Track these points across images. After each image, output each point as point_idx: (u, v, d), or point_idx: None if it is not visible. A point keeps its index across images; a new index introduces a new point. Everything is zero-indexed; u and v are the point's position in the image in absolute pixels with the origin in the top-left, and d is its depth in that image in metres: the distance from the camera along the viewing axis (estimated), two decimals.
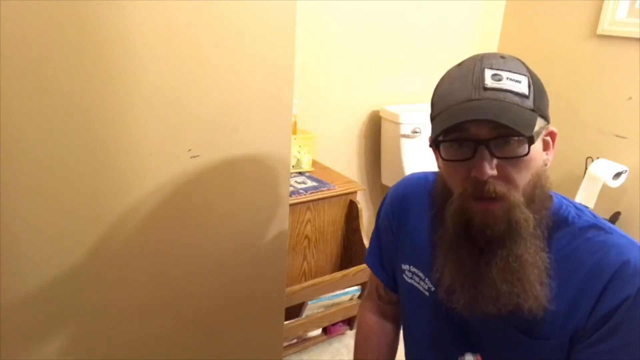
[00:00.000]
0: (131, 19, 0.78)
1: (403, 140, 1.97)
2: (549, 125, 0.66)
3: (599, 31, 1.98)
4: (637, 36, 1.86)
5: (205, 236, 1.01)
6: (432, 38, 2.16)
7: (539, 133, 0.62)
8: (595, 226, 0.66)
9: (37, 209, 0.81)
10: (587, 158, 2.02)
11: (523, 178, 0.62)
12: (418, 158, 2.01)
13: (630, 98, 1.93)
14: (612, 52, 1.96)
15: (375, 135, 2.15)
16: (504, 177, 0.61)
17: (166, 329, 1.05)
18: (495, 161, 0.60)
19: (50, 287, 0.87)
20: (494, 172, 0.60)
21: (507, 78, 0.61)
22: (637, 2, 1.89)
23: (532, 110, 0.61)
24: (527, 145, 0.60)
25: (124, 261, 0.93)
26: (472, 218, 0.63)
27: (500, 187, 0.61)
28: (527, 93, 0.61)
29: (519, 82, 0.61)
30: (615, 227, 0.68)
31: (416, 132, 1.96)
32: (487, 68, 0.61)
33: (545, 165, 0.66)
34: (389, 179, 2.15)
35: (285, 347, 1.67)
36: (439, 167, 0.71)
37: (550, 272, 0.64)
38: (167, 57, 0.83)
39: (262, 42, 0.92)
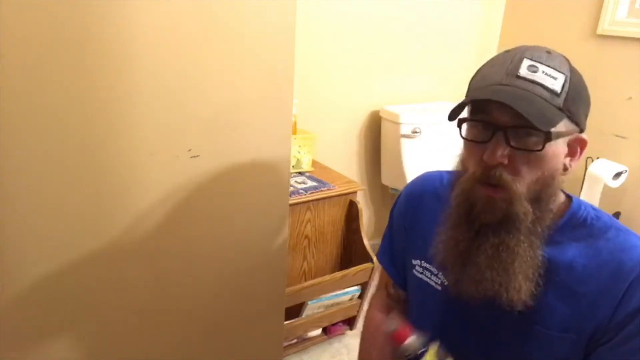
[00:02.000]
0: (131, 19, 0.78)
1: (403, 140, 1.97)
2: (581, 133, 0.66)
3: (599, 31, 1.98)
4: (637, 36, 1.86)
5: (205, 236, 1.01)
6: (432, 38, 2.16)
7: (562, 134, 0.62)
8: (614, 227, 0.67)
9: (36, 209, 0.81)
10: (587, 158, 2.02)
11: (531, 173, 0.62)
12: (418, 158, 2.01)
13: (630, 98, 1.93)
14: (612, 52, 1.96)
15: (375, 135, 2.15)
16: (513, 167, 0.61)
17: (166, 329, 1.05)
18: (508, 150, 0.60)
19: (51, 288, 0.87)
20: (504, 160, 0.60)
21: (543, 72, 0.61)
22: (637, 2, 1.89)
23: (560, 109, 0.60)
24: (542, 141, 0.60)
25: (124, 261, 0.93)
26: (475, 202, 0.64)
27: (506, 176, 0.61)
28: (558, 91, 0.60)
29: (555, 78, 0.61)
30: (630, 229, 0.68)
31: (416, 132, 1.96)
32: (527, 58, 0.62)
33: (565, 170, 0.66)
34: (389, 179, 2.15)
35: (285, 347, 1.67)
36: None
37: (544, 267, 0.64)
38: (167, 57, 0.83)
39: (262, 42, 0.92)
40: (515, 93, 0.59)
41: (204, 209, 0.99)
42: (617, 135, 1.99)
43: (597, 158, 1.99)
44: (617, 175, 1.93)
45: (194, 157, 0.93)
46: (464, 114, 0.65)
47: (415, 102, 2.18)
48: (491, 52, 2.41)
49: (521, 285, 0.63)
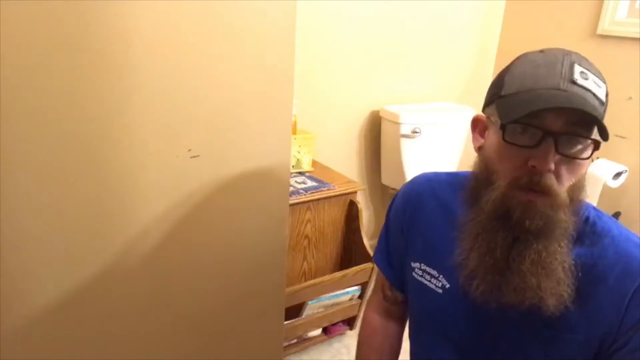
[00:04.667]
0: (131, 19, 0.78)
1: (403, 140, 1.97)
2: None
3: (599, 31, 1.98)
4: (637, 36, 1.87)
5: (205, 236, 1.01)
6: (432, 38, 2.16)
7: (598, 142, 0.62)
8: (617, 227, 0.67)
9: (36, 209, 0.81)
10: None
11: (570, 180, 0.62)
12: (418, 158, 2.01)
13: (630, 98, 1.93)
14: (612, 52, 1.96)
15: (375, 135, 2.15)
16: (557, 175, 0.61)
17: (166, 329, 1.05)
18: (557, 157, 0.59)
19: (50, 288, 0.87)
20: (553, 167, 0.59)
21: (593, 80, 0.60)
22: (637, 2, 1.89)
23: (602, 117, 0.60)
24: (591, 150, 0.60)
25: (124, 261, 0.93)
26: (513, 207, 0.62)
27: (553, 183, 0.60)
28: (604, 100, 0.61)
29: (600, 87, 0.61)
30: (629, 229, 0.69)
31: (416, 132, 1.96)
32: (577, 64, 0.61)
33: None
34: (389, 179, 2.15)
35: (285, 347, 1.67)
36: (477, 149, 0.71)
37: (575, 272, 0.64)
38: (167, 57, 0.83)
39: (262, 42, 0.92)
40: (578, 101, 0.58)
41: (203, 209, 0.99)
42: (617, 135, 1.99)
43: (597, 158, 1.99)
44: (617, 175, 1.93)
45: (194, 157, 0.93)
46: (511, 112, 0.62)
47: (415, 102, 2.18)
48: (491, 52, 2.41)
49: (562, 291, 0.63)
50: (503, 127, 0.62)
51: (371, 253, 1.66)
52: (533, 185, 0.60)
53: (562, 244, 0.63)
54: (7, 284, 0.83)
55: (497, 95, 0.66)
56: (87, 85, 0.78)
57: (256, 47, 0.92)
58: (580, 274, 0.64)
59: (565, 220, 0.62)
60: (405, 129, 1.95)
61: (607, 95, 0.62)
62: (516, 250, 0.63)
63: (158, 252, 0.97)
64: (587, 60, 0.63)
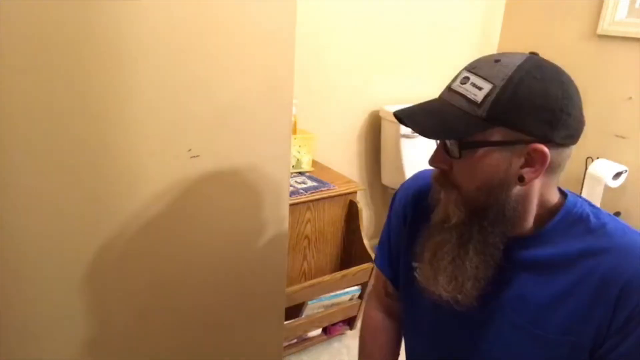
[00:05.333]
0: (131, 18, 0.78)
1: (403, 140, 1.97)
2: (538, 142, 0.61)
3: (599, 31, 1.98)
4: (637, 36, 1.87)
5: (205, 236, 1.01)
6: (432, 38, 2.16)
7: (493, 143, 0.61)
8: (613, 223, 0.66)
9: (36, 209, 0.81)
10: (587, 158, 2.02)
11: (467, 182, 0.65)
12: (418, 158, 2.01)
13: (630, 98, 1.93)
14: (612, 52, 1.97)
15: (375, 135, 2.15)
16: (452, 174, 0.66)
17: (166, 329, 1.05)
18: (444, 156, 0.65)
19: (51, 288, 0.87)
20: (443, 166, 0.66)
21: (472, 83, 0.61)
22: (637, 2, 1.89)
23: (485, 119, 0.59)
24: (457, 149, 0.62)
25: (124, 261, 0.93)
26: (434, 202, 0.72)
27: (442, 181, 0.68)
28: (478, 101, 0.60)
29: (480, 88, 0.60)
30: (629, 225, 0.68)
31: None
32: (466, 69, 0.63)
33: (522, 181, 0.63)
34: (389, 179, 2.15)
35: (285, 347, 1.67)
36: None
37: (567, 267, 0.65)
38: (167, 57, 0.83)
39: (262, 42, 0.92)
40: (429, 107, 0.65)
41: (203, 209, 0.99)
42: (617, 135, 1.99)
43: (597, 158, 1.99)
44: (617, 175, 1.93)
45: (194, 157, 0.93)
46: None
47: (415, 102, 2.17)
48: (491, 52, 2.41)
49: (456, 289, 0.67)
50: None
51: (371, 253, 1.66)
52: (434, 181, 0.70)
53: (461, 244, 0.67)
54: (8, 283, 0.83)
55: None
56: (87, 85, 0.78)
57: (256, 46, 0.92)
58: (573, 273, 0.64)
59: (458, 217, 0.66)
60: (405, 129, 1.95)
61: (491, 94, 0.59)
62: (428, 243, 0.72)
63: (158, 252, 0.97)
64: (494, 62, 0.62)
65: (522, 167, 0.62)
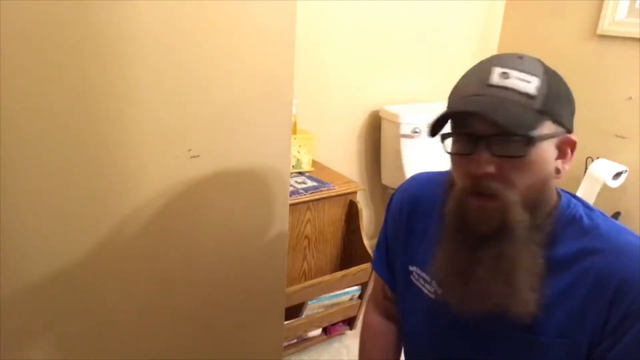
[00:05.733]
0: (131, 18, 0.78)
1: (403, 140, 1.97)
2: (569, 134, 0.64)
3: (599, 31, 1.98)
4: (637, 36, 1.86)
5: (205, 236, 1.01)
6: (432, 38, 2.16)
7: (547, 137, 0.61)
8: (606, 223, 0.66)
9: (36, 209, 0.81)
10: (587, 158, 2.02)
11: (523, 180, 0.61)
12: (418, 158, 2.01)
13: (630, 98, 1.93)
14: (612, 52, 1.96)
15: (375, 135, 2.15)
16: (502, 176, 0.61)
17: (166, 329, 1.05)
18: (493, 159, 0.60)
19: (51, 288, 0.87)
20: (491, 169, 0.60)
21: (516, 77, 0.60)
22: (637, 2, 1.89)
23: (539, 111, 0.59)
24: (525, 147, 0.59)
25: (124, 261, 0.93)
26: (467, 214, 0.63)
27: (496, 186, 0.61)
28: (534, 93, 0.59)
29: (528, 82, 0.60)
30: (623, 225, 0.67)
31: (416, 132, 1.96)
32: (497, 66, 0.61)
33: (558, 173, 0.64)
34: (389, 179, 2.15)
35: (285, 347, 1.67)
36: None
37: (548, 273, 0.63)
38: (167, 57, 0.83)
39: (262, 42, 0.92)
40: (489, 101, 0.59)
41: (203, 209, 0.99)
42: (617, 135, 1.99)
43: (597, 158, 1.99)
44: (617, 175, 1.93)
45: (194, 157, 0.93)
46: (446, 129, 0.65)
47: (415, 102, 2.18)
48: (491, 52, 2.41)
49: (527, 297, 0.62)
50: (442, 141, 0.65)
51: (371, 253, 1.66)
52: (481, 189, 0.61)
53: (524, 247, 0.62)
54: (8, 283, 0.83)
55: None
56: (87, 85, 0.78)
57: (256, 47, 0.92)
58: (567, 274, 0.64)
59: (521, 221, 0.61)
60: (405, 129, 1.95)
61: (542, 87, 0.60)
62: (476, 257, 0.64)
63: (158, 252, 0.97)
64: (519, 59, 0.62)
65: (556, 159, 0.64)
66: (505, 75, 0.60)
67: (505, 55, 0.63)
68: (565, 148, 0.64)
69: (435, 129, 0.63)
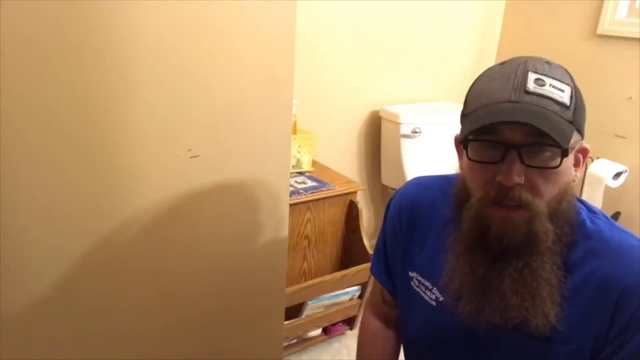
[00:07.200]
0: (131, 18, 0.78)
1: (403, 140, 1.97)
2: (583, 141, 0.64)
3: (599, 31, 1.98)
4: (637, 36, 1.86)
5: (205, 236, 1.01)
6: (432, 38, 2.16)
7: (572, 147, 0.60)
8: (609, 229, 0.65)
9: (36, 209, 0.81)
10: (587, 158, 2.02)
11: (551, 190, 0.60)
12: (418, 158, 2.01)
13: (630, 98, 1.93)
14: (612, 52, 1.96)
15: (375, 135, 2.15)
16: (531, 186, 0.59)
17: (166, 329, 1.05)
18: (523, 168, 0.58)
19: (51, 288, 0.87)
20: (521, 180, 0.58)
21: (550, 85, 0.58)
22: (637, 2, 1.89)
23: (571, 122, 0.59)
24: (559, 157, 0.58)
25: (124, 261, 0.93)
26: (489, 224, 0.61)
27: (526, 196, 0.59)
28: (568, 103, 0.58)
29: (562, 90, 0.58)
30: (625, 228, 0.67)
31: (416, 132, 1.96)
32: (531, 71, 0.59)
33: (573, 181, 0.64)
34: (389, 179, 2.15)
35: (285, 347, 1.67)
36: (461, 167, 0.69)
37: (564, 283, 0.63)
38: (167, 57, 0.83)
39: (262, 42, 0.92)
40: (530, 110, 0.57)
41: (203, 209, 0.99)
42: (617, 135, 1.99)
43: (597, 158, 1.99)
44: (617, 175, 1.93)
45: (194, 157, 0.93)
46: (466, 130, 0.62)
47: (415, 102, 2.18)
48: (491, 52, 2.41)
49: (548, 309, 0.61)
50: (465, 146, 0.62)
51: (371, 253, 1.66)
52: (506, 199, 0.59)
53: (546, 259, 0.61)
54: (8, 283, 0.83)
55: (462, 114, 0.66)
56: (87, 85, 0.78)
57: (256, 47, 0.92)
58: (569, 281, 0.63)
59: (546, 232, 0.60)
60: (405, 129, 1.95)
61: (572, 96, 0.59)
62: (497, 269, 0.62)
63: (158, 252, 0.97)
64: (547, 64, 0.61)
65: (572, 167, 0.64)
66: (540, 82, 0.58)
67: (533, 60, 0.61)
68: (580, 156, 0.65)
69: (465, 133, 0.60)
